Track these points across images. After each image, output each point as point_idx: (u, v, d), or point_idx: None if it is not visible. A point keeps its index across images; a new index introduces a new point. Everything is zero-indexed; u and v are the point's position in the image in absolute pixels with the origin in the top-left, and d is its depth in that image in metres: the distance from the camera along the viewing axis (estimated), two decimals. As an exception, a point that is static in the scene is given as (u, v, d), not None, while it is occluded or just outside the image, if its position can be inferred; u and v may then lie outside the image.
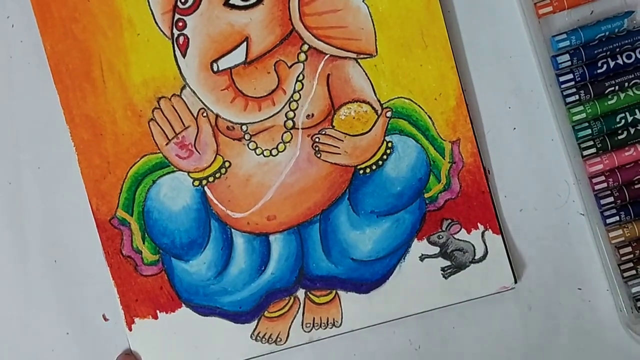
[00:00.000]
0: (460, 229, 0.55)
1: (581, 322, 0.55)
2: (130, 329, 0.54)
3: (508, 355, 0.56)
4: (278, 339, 0.55)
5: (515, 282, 0.55)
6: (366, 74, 0.54)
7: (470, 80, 0.55)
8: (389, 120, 0.54)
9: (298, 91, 0.54)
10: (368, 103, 0.54)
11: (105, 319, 0.56)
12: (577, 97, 0.55)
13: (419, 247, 0.55)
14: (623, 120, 0.55)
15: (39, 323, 0.56)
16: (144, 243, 0.55)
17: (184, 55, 0.54)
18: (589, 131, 0.55)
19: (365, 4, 0.53)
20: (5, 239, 0.56)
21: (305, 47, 0.54)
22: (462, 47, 0.55)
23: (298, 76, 0.54)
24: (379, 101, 0.54)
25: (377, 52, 0.54)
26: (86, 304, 0.56)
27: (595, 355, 0.56)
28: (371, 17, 0.54)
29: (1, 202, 0.56)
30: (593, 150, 0.55)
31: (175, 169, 0.54)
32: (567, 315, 0.56)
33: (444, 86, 0.54)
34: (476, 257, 0.55)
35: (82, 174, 0.54)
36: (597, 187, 0.55)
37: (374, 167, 0.55)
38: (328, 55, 0.54)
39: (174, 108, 0.54)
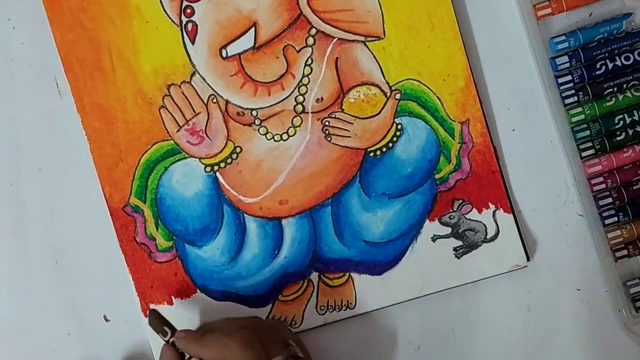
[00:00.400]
0: (472, 209, 0.55)
1: (580, 322, 0.56)
2: (146, 316, 0.55)
3: (507, 356, 0.56)
4: (293, 322, 0.55)
5: (528, 259, 0.55)
6: (374, 56, 0.54)
7: (478, 61, 0.56)
8: (398, 102, 0.55)
9: (307, 75, 0.54)
10: (377, 85, 0.55)
11: (106, 320, 0.56)
12: (575, 98, 0.55)
13: (431, 227, 0.56)
14: (621, 122, 0.55)
15: (41, 324, 0.56)
16: (157, 230, 0.55)
17: (192, 42, 0.54)
18: (587, 132, 0.55)
19: (372, -14, 0.54)
20: (7, 240, 0.56)
21: (313, 31, 0.54)
22: (470, 29, 0.56)
23: (307, 60, 0.54)
24: (387, 83, 0.55)
25: (384, 34, 0.54)
26: (87, 305, 0.56)
27: (594, 355, 0.56)
28: None
29: (3, 203, 0.56)
30: (592, 151, 0.55)
31: (186, 156, 0.55)
32: (566, 316, 0.57)
33: (452, 67, 0.55)
34: (488, 237, 0.56)
35: (94, 162, 0.55)
36: (595, 188, 0.55)
37: (384, 149, 0.55)
38: (336, 39, 0.54)
39: (184, 95, 0.54)
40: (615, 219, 0.55)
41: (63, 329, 0.55)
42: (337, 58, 0.54)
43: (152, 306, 0.55)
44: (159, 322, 0.52)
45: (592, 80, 0.55)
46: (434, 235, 0.56)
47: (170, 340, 0.51)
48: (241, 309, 0.55)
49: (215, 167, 0.55)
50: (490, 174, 0.55)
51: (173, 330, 0.51)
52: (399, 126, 0.55)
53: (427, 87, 0.55)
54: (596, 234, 0.55)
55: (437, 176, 0.55)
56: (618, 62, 0.55)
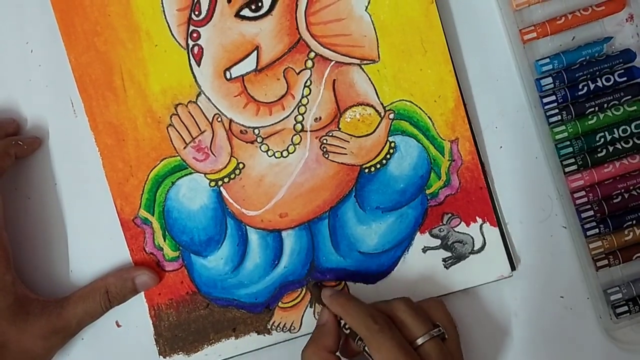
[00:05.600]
0: (460, 222, 0.57)
1: (563, 328, 0.57)
2: (153, 320, 0.57)
3: (495, 358, 0.57)
4: (292, 328, 0.57)
5: (514, 269, 0.57)
6: (369, 78, 0.56)
7: (468, 83, 0.57)
8: (391, 122, 0.56)
9: (306, 96, 0.56)
10: (372, 106, 0.56)
11: (118, 325, 0.57)
12: (559, 117, 0.56)
13: (422, 239, 0.57)
14: (602, 139, 0.56)
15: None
16: (165, 240, 0.56)
17: (198, 65, 0.55)
18: (570, 149, 0.56)
19: (368, 12, 0.55)
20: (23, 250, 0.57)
21: (312, 54, 0.55)
22: (460, 53, 0.57)
23: (306, 82, 0.56)
24: (382, 104, 0.56)
25: (379, 58, 0.56)
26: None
27: (576, 358, 0.57)
28: (373, 25, 0.55)
29: (19, 214, 0.57)
30: (574, 167, 0.56)
31: (192, 171, 0.56)
32: (550, 322, 0.58)
33: (442, 89, 0.56)
34: (475, 248, 0.57)
35: (106, 177, 0.56)
36: (578, 201, 0.57)
37: (378, 166, 0.56)
38: (333, 62, 0.56)
39: (191, 114, 0.56)
40: (597, 230, 0.56)
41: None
42: (334, 80, 0.56)
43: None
44: (315, 291, 0.55)
45: (575, 100, 0.57)
46: (425, 247, 0.57)
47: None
48: (243, 314, 0.57)
49: (220, 182, 0.56)
50: (478, 190, 0.57)
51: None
52: (392, 144, 0.56)
53: (419, 107, 0.56)
54: (578, 245, 0.57)
55: (427, 191, 0.57)
56: (599, 83, 0.56)
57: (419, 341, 0.50)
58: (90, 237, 0.57)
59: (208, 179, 0.56)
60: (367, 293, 0.57)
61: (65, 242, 0.57)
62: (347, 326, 0.52)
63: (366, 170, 0.57)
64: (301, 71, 0.56)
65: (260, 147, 0.56)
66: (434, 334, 0.50)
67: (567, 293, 0.58)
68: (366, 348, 0.50)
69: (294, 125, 0.56)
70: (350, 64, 0.56)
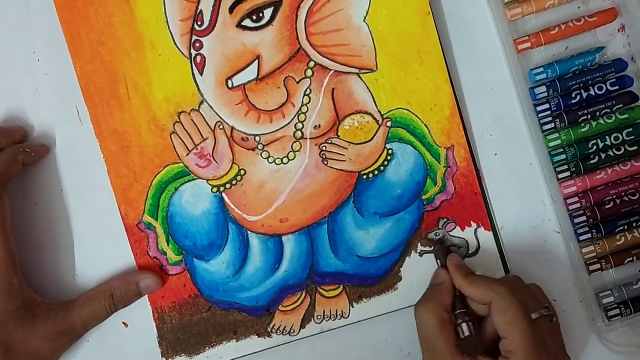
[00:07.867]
0: (455, 227, 0.58)
1: None
2: (156, 322, 0.58)
3: None
4: (292, 331, 0.58)
5: (507, 272, 0.58)
6: (367, 87, 0.57)
7: (463, 92, 0.58)
8: (389, 130, 0.57)
9: (306, 104, 0.57)
10: (370, 114, 0.57)
11: (126, 326, 0.58)
12: (552, 125, 0.57)
13: (418, 243, 0.58)
14: (595, 146, 0.57)
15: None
16: (168, 245, 0.57)
17: (201, 73, 0.56)
18: (563, 156, 0.57)
19: (366, 23, 0.56)
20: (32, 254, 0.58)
21: (312, 63, 0.57)
22: (456, 62, 0.58)
23: (305, 90, 0.57)
24: (379, 112, 0.57)
25: (377, 67, 0.57)
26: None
27: None
28: (371, 35, 0.56)
29: (27, 220, 0.58)
30: (567, 173, 0.57)
31: (195, 177, 0.57)
32: None
33: (438, 97, 0.57)
34: (470, 252, 0.58)
35: (111, 183, 0.57)
36: (571, 207, 0.58)
37: (376, 172, 0.57)
38: (332, 71, 0.57)
39: (193, 122, 0.57)
40: (589, 235, 0.58)
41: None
42: (333, 88, 0.57)
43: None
44: (441, 253, 0.56)
45: (568, 109, 0.58)
46: (421, 251, 0.58)
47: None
48: (244, 317, 0.58)
49: (221, 188, 0.57)
50: (472, 195, 0.58)
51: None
52: (390, 151, 0.57)
53: (416, 115, 0.57)
54: (571, 249, 0.58)
55: (424, 197, 0.58)
56: (591, 92, 0.57)
57: (533, 316, 0.51)
58: (95, 241, 0.58)
59: (210, 185, 0.57)
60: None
61: (71, 247, 0.58)
62: None
63: (364, 177, 0.58)
64: (301, 80, 0.57)
65: (261, 153, 0.57)
66: (544, 313, 0.51)
67: (560, 296, 0.59)
68: (463, 325, 0.53)
69: (294, 132, 0.57)
70: (348, 73, 0.57)
